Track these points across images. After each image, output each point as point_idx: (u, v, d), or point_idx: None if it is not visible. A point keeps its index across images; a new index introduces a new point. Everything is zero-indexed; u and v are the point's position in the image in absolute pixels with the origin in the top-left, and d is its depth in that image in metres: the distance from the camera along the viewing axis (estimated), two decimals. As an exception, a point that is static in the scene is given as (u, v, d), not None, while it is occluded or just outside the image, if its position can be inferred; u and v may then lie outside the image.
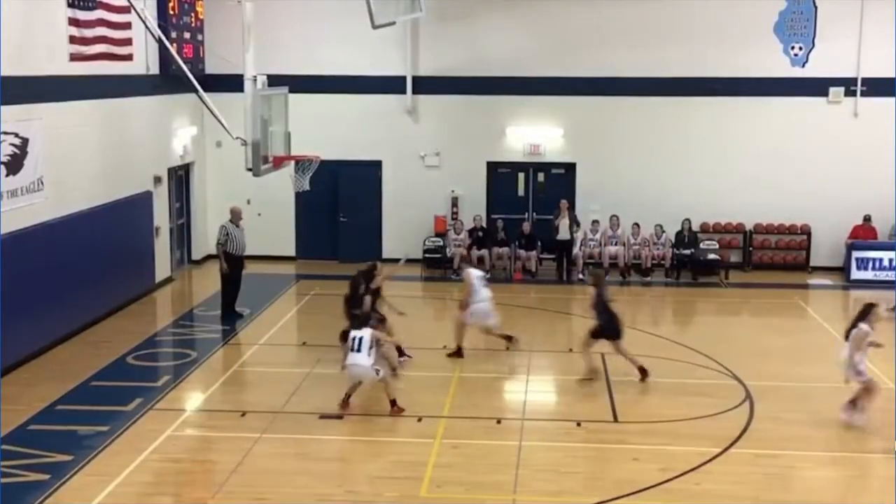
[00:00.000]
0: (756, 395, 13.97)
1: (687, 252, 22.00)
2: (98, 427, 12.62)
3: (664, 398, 13.99)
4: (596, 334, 14.70)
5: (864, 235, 22.18)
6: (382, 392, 13.30)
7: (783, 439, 12.50)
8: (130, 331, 17.24)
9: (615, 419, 13.23)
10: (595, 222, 22.27)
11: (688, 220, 22.23)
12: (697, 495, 10.91)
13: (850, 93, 22.35)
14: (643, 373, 14.64)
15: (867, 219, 22.21)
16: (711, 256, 22.04)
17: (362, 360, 13.01)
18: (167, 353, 16.63)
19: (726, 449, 12.14)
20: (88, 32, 17.26)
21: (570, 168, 23.22)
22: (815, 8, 22.28)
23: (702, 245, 22.23)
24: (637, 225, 22.16)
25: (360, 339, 13.04)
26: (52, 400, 13.65)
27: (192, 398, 14.14)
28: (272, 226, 22.99)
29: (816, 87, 22.35)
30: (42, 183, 15.86)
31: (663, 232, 22.09)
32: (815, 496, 11.06)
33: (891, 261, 21.51)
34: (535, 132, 23.04)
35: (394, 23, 18.50)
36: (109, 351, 16.02)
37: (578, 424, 12.94)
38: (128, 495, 10.80)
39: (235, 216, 18.33)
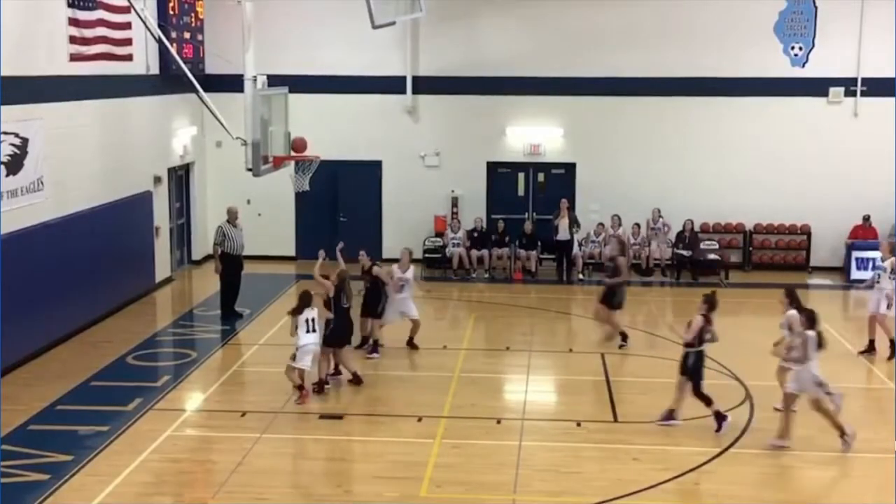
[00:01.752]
0: (756, 395, 13.96)
1: (687, 252, 22.01)
2: (98, 427, 12.62)
3: (664, 398, 13.91)
4: (325, 340, 13.81)
5: (863, 235, 22.17)
6: (381, 392, 13.27)
7: (783, 439, 12.51)
8: (130, 331, 17.24)
9: (615, 419, 13.23)
10: (600, 225, 22.26)
11: (690, 220, 22.23)
12: (697, 495, 10.92)
13: (849, 93, 22.34)
14: (356, 379, 14.17)
15: (867, 219, 22.21)
16: (711, 256, 22.04)
17: (318, 338, 13.31)
18: (167, 353, 16.62)
19: (726, 449, 12.15)
20: (88, 32, 17.26)
21: (570, 168, 23.21)
22: (815, 8, 22.27)
23: (702, 245, 22.23)
24: (637, 225, 22.16)
25: (313, 319, 13.23)
26: (52, 400, 13.65)
27: (192, 398, 14.14)
28: (272, 226, 22.98)
29: (816, 87, 22.34)
30: (42, 183, 15.85)
31: (665, 224, 22.12)
32: (814, 496, 11.06)
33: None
34: (535, 132, 23.02)
35: (394, 23, 18.53)
36: (109, 351, 16.01)
37: (578, 424, 12.94)
38: (128, 495, 10.80)
39: (232, 216, 18.32)
